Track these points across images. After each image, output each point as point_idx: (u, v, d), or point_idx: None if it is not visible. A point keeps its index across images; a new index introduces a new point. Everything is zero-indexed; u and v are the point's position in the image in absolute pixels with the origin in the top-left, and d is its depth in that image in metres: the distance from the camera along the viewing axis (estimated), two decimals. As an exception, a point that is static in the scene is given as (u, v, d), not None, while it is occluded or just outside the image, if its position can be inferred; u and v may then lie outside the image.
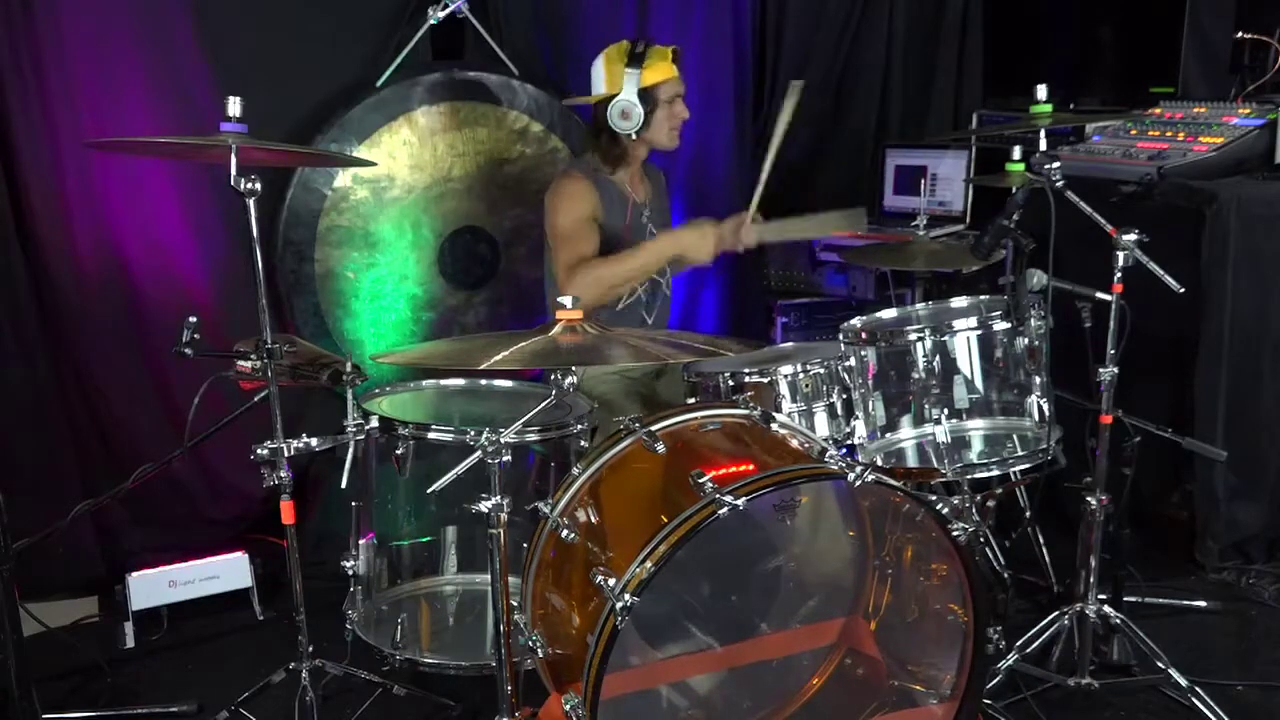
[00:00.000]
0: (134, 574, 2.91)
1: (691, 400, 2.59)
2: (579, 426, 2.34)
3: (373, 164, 3.07)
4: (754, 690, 2.16)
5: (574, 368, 1.98)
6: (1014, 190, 2.43)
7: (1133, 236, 2.28)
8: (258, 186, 2.12)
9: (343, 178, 3.25)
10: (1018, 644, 2.50)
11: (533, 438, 2.29)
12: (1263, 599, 2.98)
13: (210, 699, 2.56)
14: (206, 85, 2.98)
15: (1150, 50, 3.63)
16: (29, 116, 2.83)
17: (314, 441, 2.26)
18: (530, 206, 3.40)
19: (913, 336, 2.52)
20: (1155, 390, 3.07)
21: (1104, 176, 3.09)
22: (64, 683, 2.69)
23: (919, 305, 2.88)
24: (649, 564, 1.73)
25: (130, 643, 2.89)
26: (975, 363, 2.54)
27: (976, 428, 2.56)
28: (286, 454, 2.22)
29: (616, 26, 3.55)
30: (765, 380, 2.54)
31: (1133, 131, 3.31)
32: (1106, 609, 2.51)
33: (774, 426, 2.12)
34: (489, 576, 1.90)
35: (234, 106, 2.19)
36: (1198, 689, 2.40)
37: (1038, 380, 2.54)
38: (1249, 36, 3.39)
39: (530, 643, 1.98)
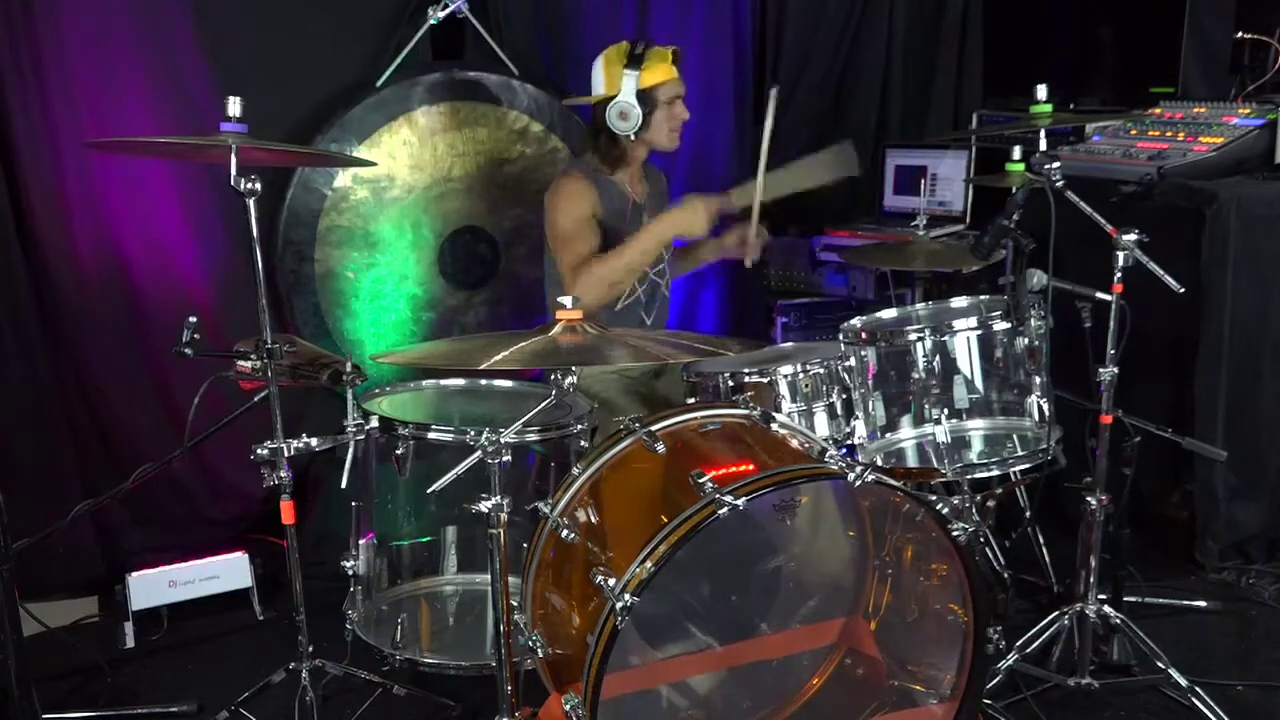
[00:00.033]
0: (134, 574, 2.91)
1: (691, 400, 2.59)
2: (579, 426, 2.34)
3: (373, 164, 3.07)
4: (754, 690, 2.16)
5: (573, 367, 1.99)
6: (1014, 190, 2.43)
7: (1133, 236, 2.28)
8: (258, 186, 2.13)
9: (343, 178, 3.25)
10: (1018, 644, 2.50)
11: (533, 438, 2.29)
12: (1263, 599, 2.98)
13: (210, 699, 2.56)
14: (206, 85, 2.98)
15: (1150, 50, 3.63)
16: (29, 116, 2.83)
17: (314, 441, 2.26)
18: (530, 206, 3.40)
19: (913, 336, 2.52)
20: (1155, 390, 3.07)
21: (1104, 176, 3.09)
22: (64, 683, 2.69)
23: (919, 305, 2.88)
24: (649, 564, 1.73)
25: (130, 643, 2.89)
26: (975, 363, 2.54)
27: (976, 428, 2.56)
28: (286, 454, 2.22)
29: (616, 26, 3.55)
30: (765, 380, 2.54)
31: (1133, 131, 3.31)
32: (1106, 609, 2.51)
33: (774, 426, 2.12)
34: (489, 576, 1.90)
35: (234, 106, 2.19)
36: (1198, 689, 2.40)
37: (1038, 380, 2.54)
38: (1249, 36, 3.39)
39: (530, 643, 1.98)
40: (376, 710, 2.49)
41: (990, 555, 2.78)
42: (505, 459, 1.84)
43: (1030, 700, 2.41)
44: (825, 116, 4.14)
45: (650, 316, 2.99)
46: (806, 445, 2.06)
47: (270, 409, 2.24)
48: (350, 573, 2.45)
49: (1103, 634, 2.54)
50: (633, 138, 2.82)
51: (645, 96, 2.78)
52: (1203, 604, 2.93)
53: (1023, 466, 2.53)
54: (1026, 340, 2.51)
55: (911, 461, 2.54)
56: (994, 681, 2.44)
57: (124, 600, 2.89)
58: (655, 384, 3.02)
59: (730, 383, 2.55)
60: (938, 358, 2.52)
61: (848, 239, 3.68)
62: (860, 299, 3.69)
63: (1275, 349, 3.02)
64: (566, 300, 1.96)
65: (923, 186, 3.78)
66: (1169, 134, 3.21)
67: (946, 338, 2.52)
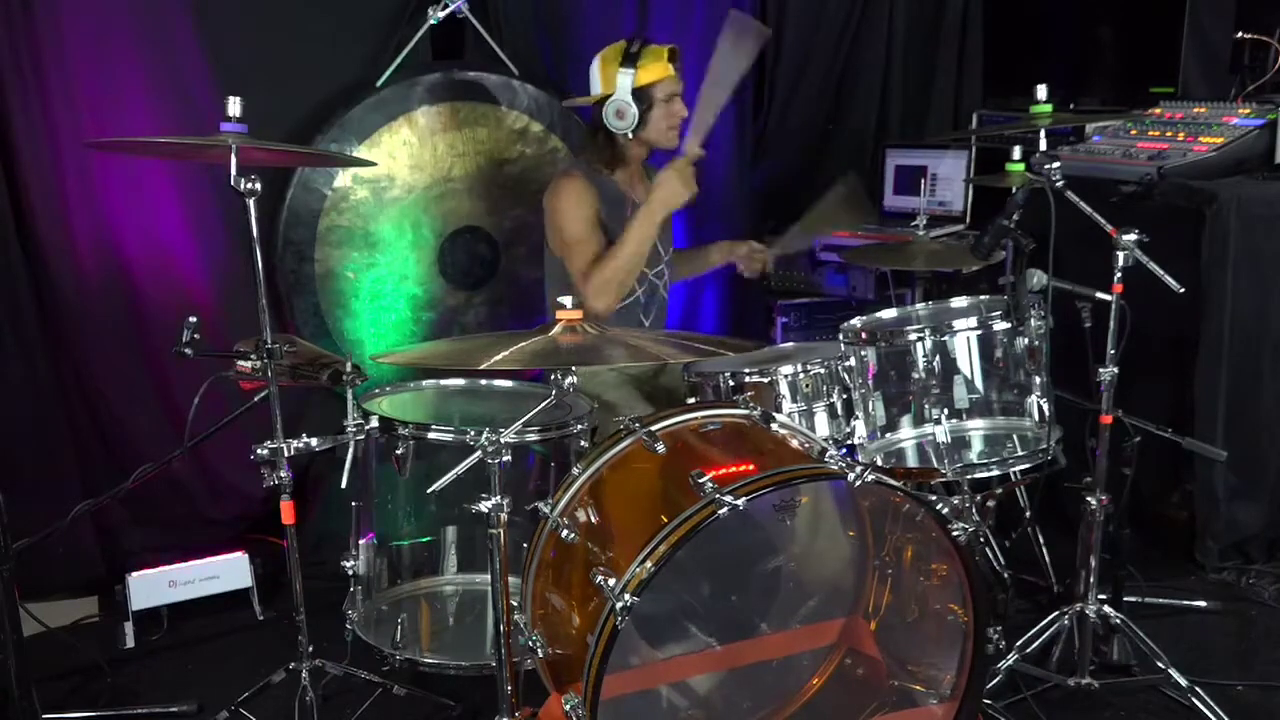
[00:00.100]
0: (134, 574, 2.91)
1: (691, 400, 2.59)
2: (579, 426, 2.33)
3: (373, 164, 3.08)
4: (754, 690, 2.16)
5: (573, 367, 1.99)
6: (1014, 190, 2.43)
7: (1133, 236, 2.28)
8: (258, 186, 2.13)
9: (343, 178, 3.25)
10: (1018, 644, 2.50)
11: (533, 438, 2.29)
12: (1263, 599, 2.98)
13: (210, 699, 2.56)
14: (206, 85, 2.98)
15: (1150, 50, 3.63)
16: (29, 116, 2.83)
17: (314, 441, 2.26)
18: (530, 206, 3.40)
19: (913, 336, 2.52)
20: (1155, 390, 3.07)
21: (1104, 176, 3.09)
22: (64, 683, 2.69)
23: (919, 305, 2.88)
24: (649, 564, 1.73)
25: (130, 643, 2.89)
26: (975, 363, 2.54)
27: (976, 428, 2.56)
28: (286, 454, 2.22)
29: (616, 26, 3.55)
30: (765, 380, 2.54)
31: (1133, 131, 3.31)
32: (1106, 609, 2.51)
33: (774, 426, 2.12)
34: (489, 576, 1.90)
35: (234, 106, 2.19)
36: (1198, 689, 2.40)
37: (1038, 380, 2.54)
38: (1249, 36, 3.39)
39: (530, 643, 1.98)
40: (376, 710, 2.49)
41: (990, 555, 2.78)
42: (505, 459, 1.84)
43: (1030, 700, 2.41)
44: (825, 116, 4.14)
45: (649, 318, 2.99)
46: (806, 445, 2.06)
47: (270, 409, 2.24)
48: (350, 573, 2.45)
49: (1103, 634, 2.54)
50: (630, 136, 2.81)
51: (641, 94, 2.77)
52: (1203, 604, 2.93)
53: (1023, 466, 2.53)
54: (1026, 340, 2.51)
55: (911, 461, 2.54)
56: (994, 681, 2.44)
57: (124, 600, 2.89)
58: (657, 381, 3.02)
59: (730, 383, 2.55)
60: (938, 358, 2.52)
61: (848, 239, 3.68)
62: (860, 299, 3.69)
63: (1275, 349, 3.02)
64: (567, 300, 1.96)
65: (923, 186, 3.78)
66: (1169, 134, 3.21)
67: (946, 338, 2.52)
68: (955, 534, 1.89)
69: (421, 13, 3.28)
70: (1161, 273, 2.28)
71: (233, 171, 2.12)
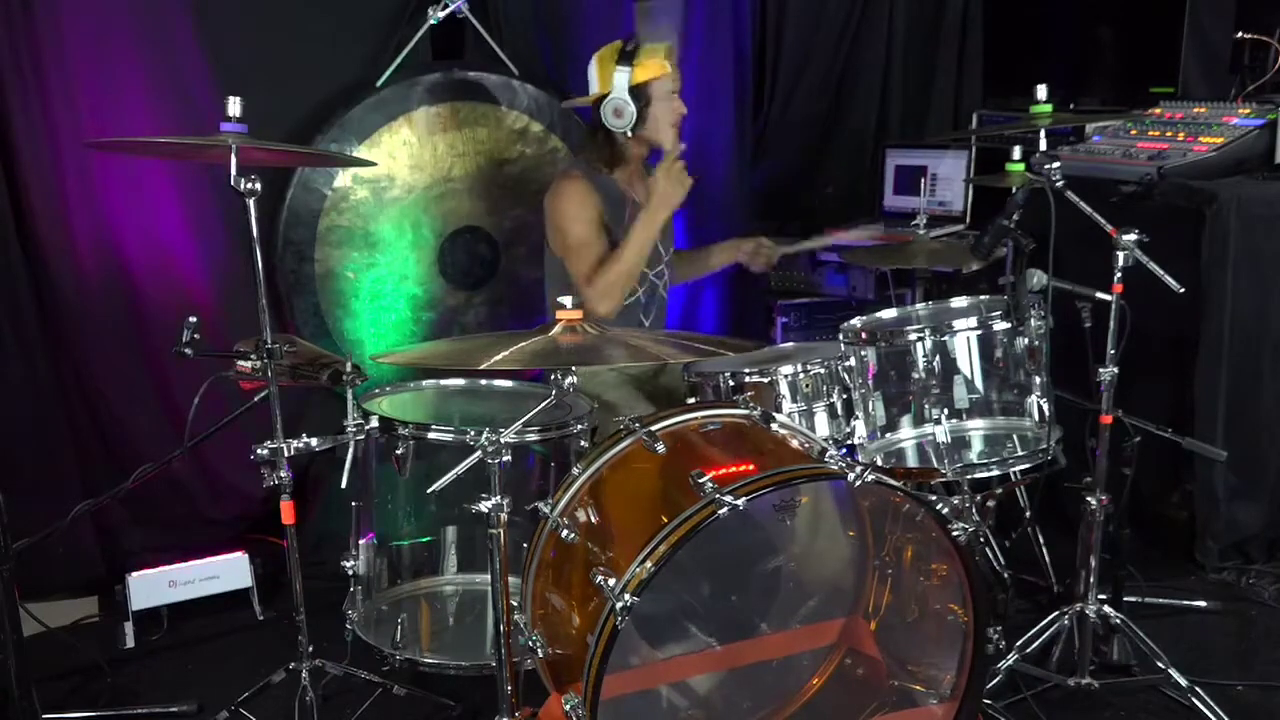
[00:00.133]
0: (134, 574, 2.91)
1: (691, 400, 2.59)
2: (579, 426, 2.33)
3: (373, 164, 3.08)
4: (754, 690, 2.16)
5: (573, 367, 1.99)
6: (1014, 190, 2.43)
7: (1133, 236, 2.28)
8: (258, 186, 2.13)
9: (343, 178, 3.25)
10: (1018, 644, 2.50)
11: (533, 438, 2.29)
12: (1263, 599, 2.98)
13: (210, 699, 2.56)
14: (206, 85, 2.98)
15: (1150, 50, 3.63)
16: (29, 116, 2.83)
17: (314, 441, 2.26)
18: (530, 206, 3.40)
19: (913, 336, 2.52)
20: (1155, 390, 3.07)
21: (1104, 176, 3.09)
22: (64, 683, 2.69)
23: (919, 305, 2.87)
24: (649, 564, 1.73)
25: (130, 643, 2.89)
26: (975, 363, 2.54)
27: (976, 428, 2.56)
28: (286, 454, 2.22)
29: (616, 26, 3.54)
30: (765, 380, 2.54)
31: (1133, 131, 3.31)
32: (1106, 609, 2.51)
33: (774, 426, 2.12)
34: (489, 576, 1.90)
35: (234, 106, 2.19)
36: (1198, 689, 2.40)
37: (1038, 380, 2.54)
38: (1249, 36, 3.39)
39: (530, 643, 1.98)
40: (376, 710, 2.49)
41: (990, 555, 2.78)
42: (505, 459, 1.84)
43: (1030, 700, 2.41)
44: (825, 116, 4.14)
45: (649, 318, 2.99)
46: (806, 445, 2.06)
47: (270, 409, 2.24)
48: (350, 573, 2.45)
49: (1103, 634, 2.54)
50: (630, 135, 2.81)
51: (639, 92, 2.77)
52: (1203, 604, 2.93)
53: (1023, 466, 2.52)
54: (1026, 340, 2.51)
55: (911, 461, 2.54)
56: (994, 681, 2.44)
57: (124, 600, 2.89)
58: (657, 381, 3.02)
59: (730, 383, 2.55)
60: (938, 358, 2.52)
61: (848, 240, 3.67)
62: (860, 299, 3.70)
63: (1275, 349, 3.02)
64: (567, 300, 1.96)
65: (923, 186, 3.78)
66: (1169, 134, 3.21)
67: (946, 338, 2.52)
68: (955, 534, 1.89)
69: (421, 13, 3.28)
70: (1161, 273, 2.28)
71: (233, 171, 2.12)
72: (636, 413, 2.13)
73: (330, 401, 3.13)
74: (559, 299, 1.97)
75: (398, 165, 3.31)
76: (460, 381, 2.65)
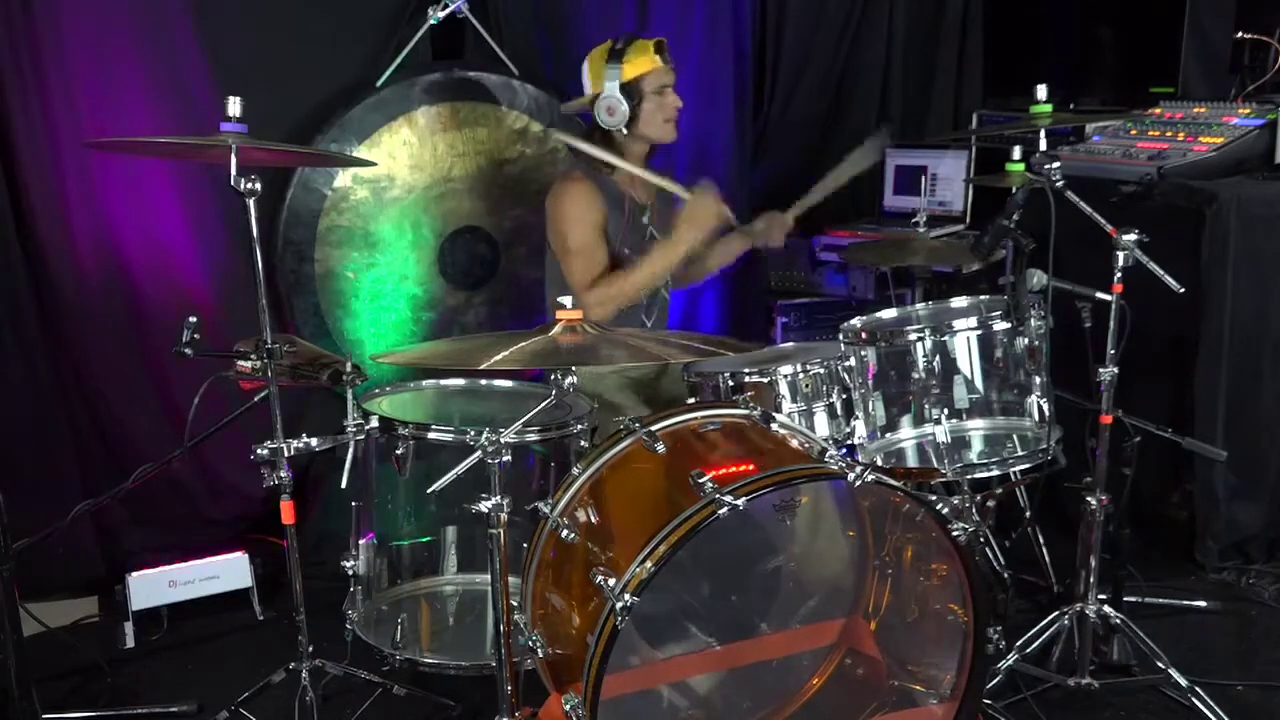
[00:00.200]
0: (134, 574, 2.91)
1: (691, 400, 2.59)
2: (579, 426, 2.33)
3: (373, 164, 3.08)
4: (754, 690, 2.16)
5: (573, 367, 1.99)
6: (1014, 190, 2.43)
7: (1133, 236, 2.28)
8: (258, 186, 2.13)
9: (343, 178, 3.25)
10: (1018, 644, 2.50)
11: (533, 438, 2.29)
12: (1263, 599, 2.98)
13: (210, 699, 2.56)
14: (206, 85, 2.98)
15: (1150, 50, 3.63)
16: (29, 116, 2.83)
17: (314, 441, 2.26)
18: (530, 206, 3.40)
19: (913, 336, 2.52)
20: (1155, 390, 3.07)
21: (1104, 176, 3.09)
22: (64, 683, 2.69)
23: (919, 305, 2.88)
24: (649, 564, 1.73)
25: (130, 643, 2.89)
26: (975, 363, 2.54)
27: (976, 428, 2.56)
28: (286, 454, 2.22)
29: (616, 26, 3.55)
30: (765, 380, 2.54)
31: (1133, 131, 3.31)
32: (1106, 609, 2.51)
33: (774, 426, 2.12)
34: (489, 576, 1.90)
35: (234, 106, 2.19)
36: (1198, 689, 2.40)
37: (1038, 380, 2.54)
38: (1249, 36, 3.39)
39: (530, 643, 1.98)
40: (376, 710, 2.49)
41: (990, 555, 2.78)
42: (505, 459, 1.84)
43: (1030, 700, 2.41)
44: (825, 116, 4.14)
45: (650, 319, 2.99)
46: (806, 445, 2.06)
47: (270, 409, 2.24)
48: (350, 573, 2.45)
49: (1103, 634, 2.54)
50: (625, 132, 2.82)
51: (630, 89, 2.77)
52: (1203, 604, 2.93)
53: (1023, 466, 2.53)
54: (1026, 340, 2.51)
55: (911, 461, 2.54)
56: (994, 681, 2.44)
57: (124, 600, 2.89)
58: (658, 384, 3.02)
59: (730, 383, 2.55)
60: (938, 358, 2.52)
61: (848, 239, 3.68)
62: (860, 299, 3.70)
63: (1275, 349, 3.02)
64: (567, 300, 1.96)
65: (923, 186, 3.78)
66: (1169, 134, 3.21)
67: (946, 338, 2.52)
68: (955, 534, 1.89)
69: (421, 13, 3.28)
70: (1161, 273, 2.28)
71: (233, 171, 2.12)
72: (636, 414, 2.13)
73: (330, 401, 3.13)
74: (559, 299, 1.97)
75: (398, 165, 3.31)
76: (460, 381, 2.65)
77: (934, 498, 2.57)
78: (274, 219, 3.19)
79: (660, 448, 1.98)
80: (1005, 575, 2.76)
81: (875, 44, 4.09)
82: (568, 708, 1.83)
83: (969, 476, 2.50)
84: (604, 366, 2.82)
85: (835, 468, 1.86)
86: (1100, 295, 2.37)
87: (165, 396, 3.09)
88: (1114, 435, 2.43)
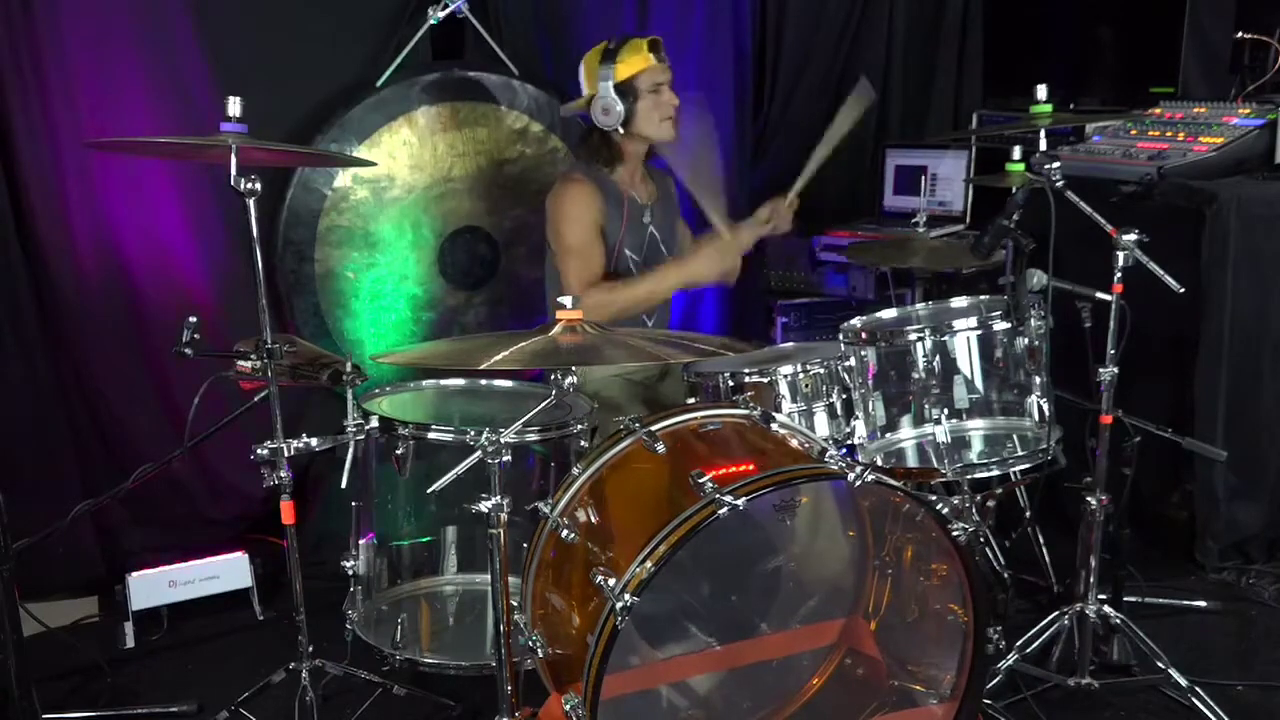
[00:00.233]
0: (134, 574, 2.91)
1: (691, 400, 2.59)
2: (579, 426, 2.33)
3: (373, 164, 3.08)
4: (754, 690, 2.16)
5: (574, 368, 1.99)
6: (1014, 190, 2.43)
7: (1133, 236, 2.28)
8: (258, 186, 2.13)
9: (343, 178, 3.25)
10: (1018, 644, 2.50)
11: (533, 438, 2.29)
12: (1263, 599, 2.98)
13: (210, 699, 2.56)
14: (206, 85, 2.98)
15: (1150, 50, 3.63)
16: (29, 116, 2.83)
17: (314, 441, 2.26)
18: (530, 206, 3.40)
19: (913, 336, 2.52)
20: (1155, 390, 3.07)
21: (1104, 176, 3.09)
22: (64, 683, 2.69)
23: (919, 305, 2.88)
24: (649, 564, 1.73)
25: (130, 643, 2.89)
26: (975, 363, 2.54)
27: (976, 428, 2.56)
28: (286, 454, 2.22)
29: (617, 27, 3.55)
30: (765, 380, 2.54)
31: (1133, 131, 3.31)
32: (1106, 609, 2.51)
33: (774, 426, 2.12)
34: (489, 576, 1.90)
35: (234, 106, 2.19)
36: (1198, 689, 2.40)
37: (1038, 380, 2.54)
38: (1249, 36, 3.39)
39: (530, 643, 1.98)
40: (376, 710, 2.49)
41: (990, 555, 2.78)
42: (505, 459, 1.83)
43: (1030, 700, 2.41)
44: (825, 116, 4.12)
45: (651, 319, 2.99)
46: (806, 445, 2.06)
47: (270, 409, 2.24)
48: (350, 573, 2.45)
49: (1103, 634, 2.54)
50: (622, 132, 2.82)
51: (625, 89, 2.77)
52: (1203, 604, 2.93)
53: (1023, 466, 2.52)
54: (1026, 340, 2.51)
55: (911, 461, 2.54)
56: (994, 681, 2.44)
57: (124, 600, 2.89)
58: (659, 385, 3.02)
59: (730, 383, 2.55)
60: (938, 358, 2.52)
61: (848, 239, 3.68)
62: (860, 299, 3.69)
63: (1275, 349, 3.02)
64: (566, 300, 1.96)
65: (923, 186, 3.78)
66: (1169, 134, 3.21)
67: (946, 338, 2.52)
68: (955, 534, 1.89)
69: (421, 13, 3.28)
70: (1161, 273, 2.28)
71: (233, 171, 2.12)
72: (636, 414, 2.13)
73: (330, 401, 3.13)
74: (559, 299, 1.97)
75: (398, 165, 3.31)
76: (460, 381, 2.65)
77: (934, 498, 2.57)
78: (274, 219, 3.19)
79: (660, 448, 1.98)
80: (1005, 575, 2.76)
81: (875, 44, 4.09)
82: (568, 708, 1.83)
83: (969, 476, 2.50)
84: (604, 367, 2.82)
85: (835, 468, 1.86)
86: (1100, 295, 2.37)
87: (165, 396, 3.09)
88: (1114, 435, 2.43)
